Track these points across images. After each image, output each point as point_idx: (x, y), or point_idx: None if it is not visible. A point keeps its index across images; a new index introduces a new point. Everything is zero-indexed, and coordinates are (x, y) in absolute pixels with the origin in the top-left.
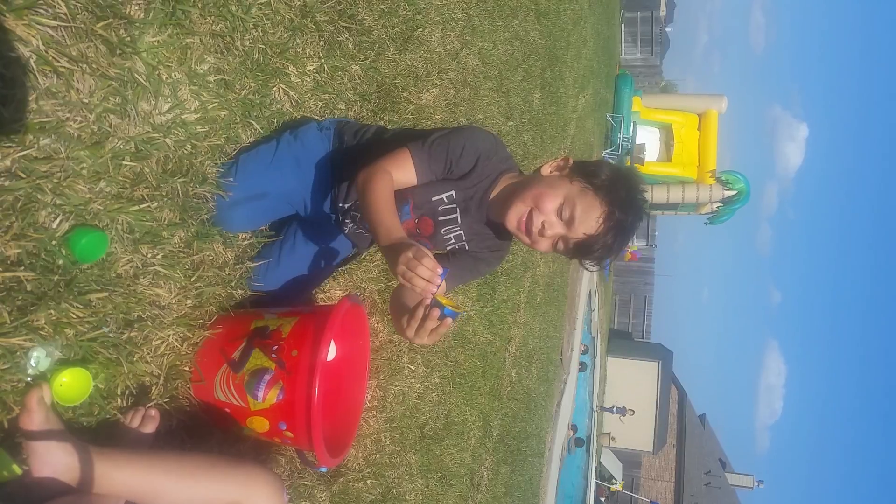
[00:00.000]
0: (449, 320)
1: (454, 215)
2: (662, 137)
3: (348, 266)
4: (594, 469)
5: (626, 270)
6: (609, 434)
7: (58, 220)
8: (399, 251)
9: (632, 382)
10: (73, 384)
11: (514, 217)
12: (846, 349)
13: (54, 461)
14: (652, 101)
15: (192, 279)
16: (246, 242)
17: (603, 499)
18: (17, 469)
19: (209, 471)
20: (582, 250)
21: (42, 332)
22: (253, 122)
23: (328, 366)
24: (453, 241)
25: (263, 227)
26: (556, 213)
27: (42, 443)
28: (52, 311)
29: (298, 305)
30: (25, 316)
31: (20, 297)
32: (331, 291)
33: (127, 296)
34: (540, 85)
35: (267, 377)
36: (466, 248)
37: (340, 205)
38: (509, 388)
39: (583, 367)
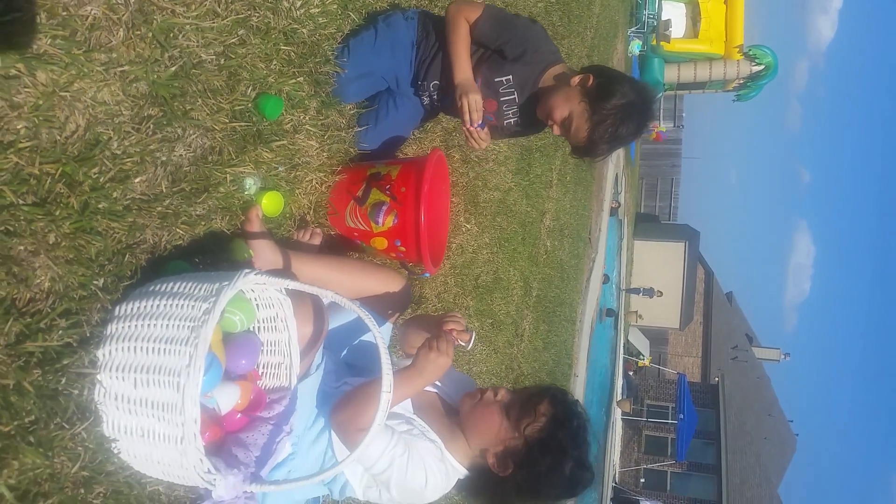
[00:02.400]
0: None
1: (513, 96)
2: (688, 13)
3: (424, 128)
4: (622, 345)
5: (652, 154)
6: (636, 312)
7: (249, 89)
8: (466, 90)
9: (659, 263)
10: (272, 203)
11: (540, 111)
12: (875, 229)
13: (266, 255)
14: None
15: (325, 137)
16: (351, 112)
17: (631, 373)
18: (249, 252)
19: (363, 268)
20: (578, 151)
21: (250, 167)
22: (351, 13)
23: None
24: (511, 117)
25: (364, 100)
26: (559, 124)
27: (259, 241)
28: (253, 153)
29: (398, 158)
30: (241, 154)
31: (236, 142)
32: (407, 149)
33: (292, 145)
34: None
35: (384, 207)
36: (520, 123)
37: (420, 82)
38: (545, 256)
39: (610, 313)
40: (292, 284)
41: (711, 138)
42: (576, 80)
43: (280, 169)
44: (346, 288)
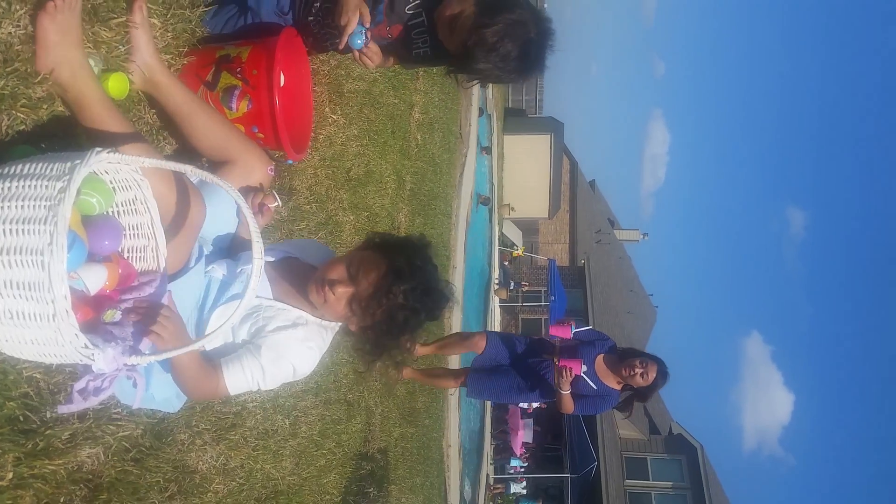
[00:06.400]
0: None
1: (421, 18)
2: None
3: None
4: (497, 238)
5: None
6: (509, 205)
7: None
8: (348, 7)
9: (527, 156)
10: (117, 85)
11: (438, 24)
12: (727, 116)
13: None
14: None
15: (167, 16)
16: None
17: (506, 263)
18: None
19: (229, 125)
20: (454, 64)
21: (88, 47)
22: None
23: (282, 86)
24: (422, 46)
25: None
26: (447, 24)
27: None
28: (90, 30)
29: (249, 39)
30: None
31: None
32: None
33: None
34: None
35: (237, 92)
36: (430, 53)
37: None
38: (416, 150)
39: (486, 202)
40: (148, 162)
41: (573, 31)
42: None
43: (122, 49)
44: (209, 139)
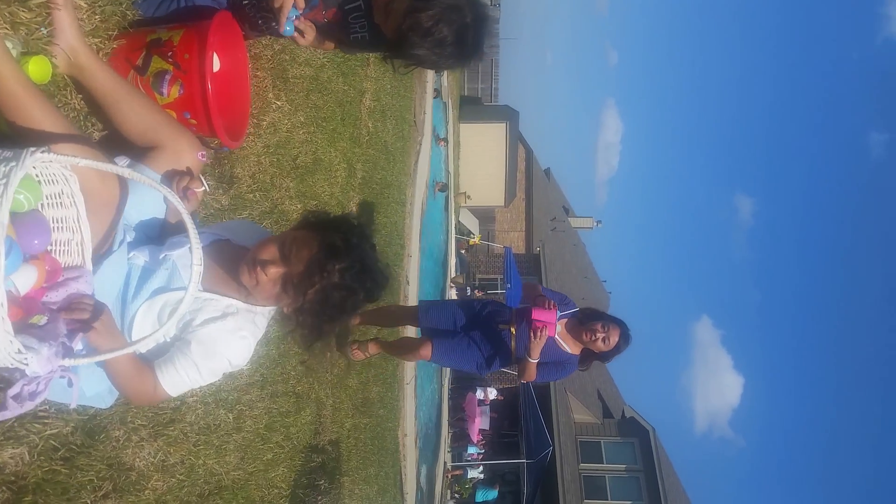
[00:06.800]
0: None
1: (358, 2)
2: None
3: None
4: (454, 226)
5: None
6: (465, 193)
7: None
8: None
9: (483, 144)
10: (38, 69)
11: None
12: (679, 105)
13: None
14: None
15: None
16: None
17: (463, 251)
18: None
19: (159, 109)
20: (391, 49)
21: (6, 29)
22: None
23: (216, 71)
24: (359, 31)
25: None
26: (382, 8)
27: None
28: (6, 10)
29: (181, 23)
30: None
31: None
32: None
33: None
34: None
35: (168, 76)
36: (368, 38)
37: None
38: (368, 138)
39: (443, 188)
40: (83, 163)
41: (528, 18)
42: None
43: (43, 31)
44: (138, 125)
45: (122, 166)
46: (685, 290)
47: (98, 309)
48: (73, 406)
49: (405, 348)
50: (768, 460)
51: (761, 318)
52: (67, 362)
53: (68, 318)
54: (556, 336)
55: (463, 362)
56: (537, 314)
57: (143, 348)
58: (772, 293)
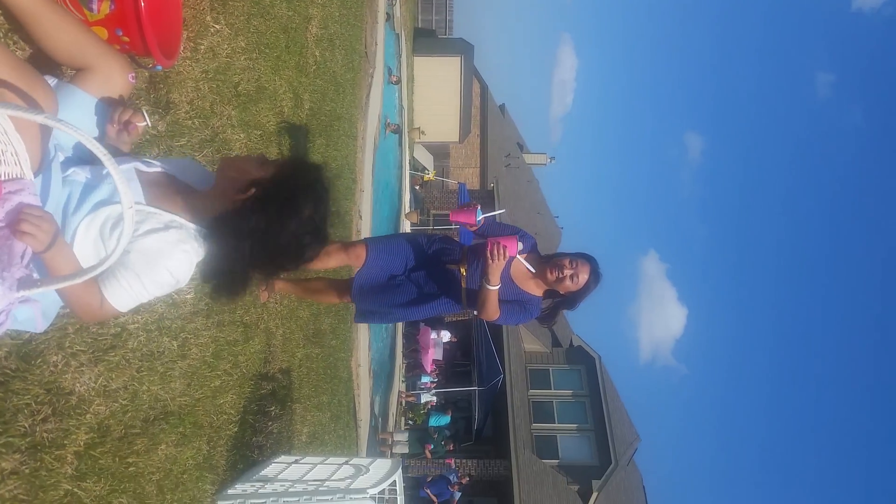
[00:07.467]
0: None
1: None
2: None
3: None
4: (408, 162)
5: None
6: (419, 129)
7: None
8: None
9: (437, 79)
10: None
11: None
12: (632, 43)
13: None
14: None
15: None
16: None
17: (417, 187)
18: None
19: (84, 28)
20: None
21: None
22: None
23: None
24: None
25: None
26: None
27: None
28: None
29: None
30: None
31: None
32: None
33: None
34: None
35: None
36: None
37: None
38: (315, 67)
39: (396, 130)
40: (10, 111)
41: None
42: None
43: None
44: (62, 44)
45: (50, 85)
46: (634, 226)
47: (38, 213)
48: (39, 330)
49: (320, 292)
50: (709, 387)
51: (706, 252)
52: (23, 294)
53: (18, 230)
54: (510, 277)
55: (395, 314)
56: (498, 240)
57: (89, 267)
58: (717, 228)
